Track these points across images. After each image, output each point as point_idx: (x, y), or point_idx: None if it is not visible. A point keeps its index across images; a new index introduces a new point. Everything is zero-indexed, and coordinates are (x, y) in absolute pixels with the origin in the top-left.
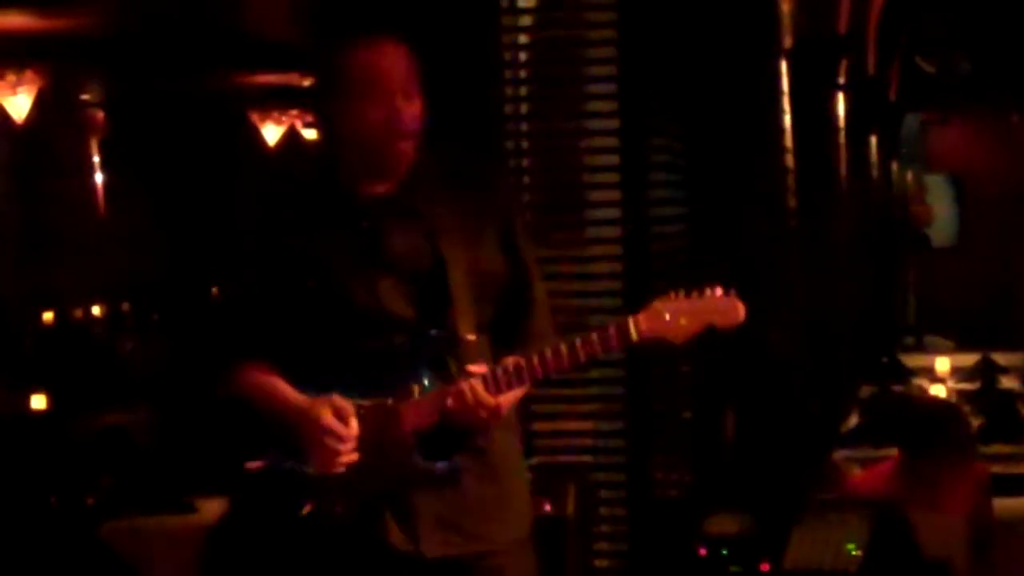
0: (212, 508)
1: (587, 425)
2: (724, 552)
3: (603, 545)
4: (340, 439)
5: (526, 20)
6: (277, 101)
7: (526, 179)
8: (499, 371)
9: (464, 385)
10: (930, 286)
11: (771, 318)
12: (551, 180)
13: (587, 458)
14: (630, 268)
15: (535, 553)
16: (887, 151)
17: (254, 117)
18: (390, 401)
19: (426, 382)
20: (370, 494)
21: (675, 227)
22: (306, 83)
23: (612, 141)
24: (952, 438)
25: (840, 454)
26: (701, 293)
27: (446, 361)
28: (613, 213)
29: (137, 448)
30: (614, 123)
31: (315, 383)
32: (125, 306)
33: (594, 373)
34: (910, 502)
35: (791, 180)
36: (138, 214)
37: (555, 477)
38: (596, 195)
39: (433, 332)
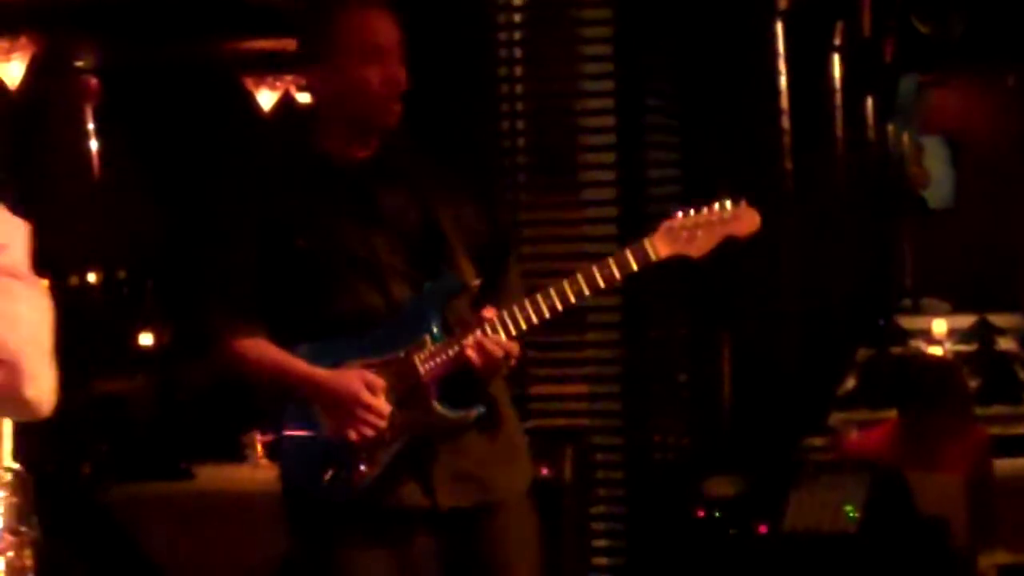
0: (210, 475)
1: (583, 388)
2: (721, 514)
3: (600, 508)
4: (380, 414)
5: None
6: (271, 66)
7: (521, 141)
8: (513, 311)
9: (479, 328)
10: (927, 248)
11: (767, 281)
12: (546, 142)
13: (584, 421)
14: (625, 229)
15: (533, 507)
16: (883, 113)
17: (249, 82)
18: (402, 353)
19: (436, 330)
20: (391, 453)
21: (670, 188)
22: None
23: (607, 102)
24: (950, 397)
25: (837, 417)
26: (711, 207)
27: (454, 309)
28: (608, 175)
29: (134, 416)
30: (609, 84)
31: (320, 349)
32: (121, 273)
33: (590, 336)
34: (908, 463)
35: (787, 142)
36: (133, 181)
37: (552, 441)
38: (591, 157)
39: (439, 280)
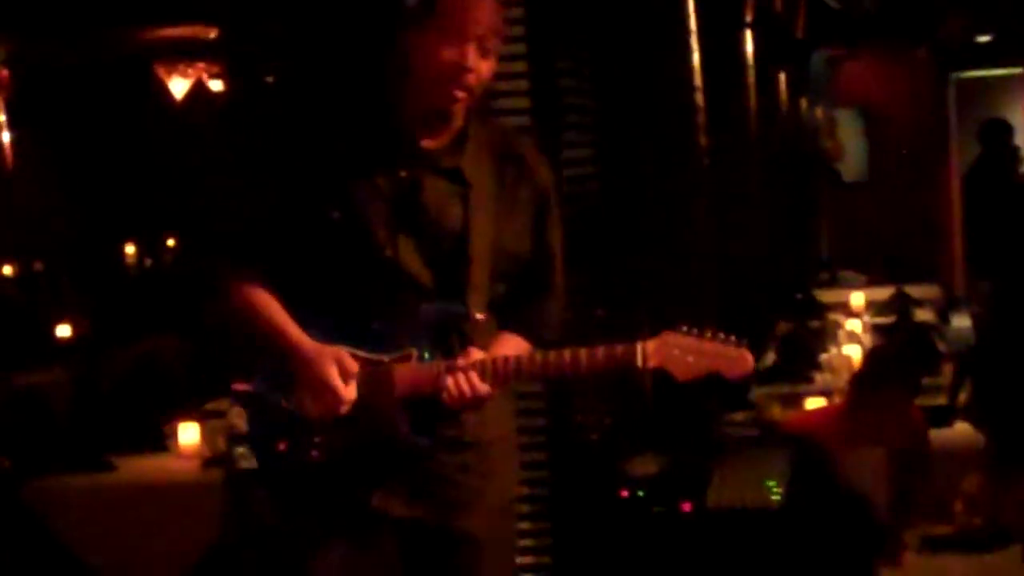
0: (131, 466)
1: None
2: (644, 493)
3: (524, 490)
4: (339, 399)
5: None
6: (183, 54)
7: None
8: (499, 362)
9: (461, 368)
10: (843, 221)
11: (683, 258)
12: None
13: None
14: None
15: (511, 526)
16: (796, 87)
17: (160, 71)
18: (386, 359)
19: (426, 353)
20: (347, 446)
21: (586, 169)
22: (212, 35)
23: (521, 84)
24: (893, 379)
25: (759, 392)
26: (714, 336)
27: (448, 335)
28: None
29: (53, 408)
30: (522, 66)
31: (314, 319)
32: (38, 265)
33: None
34: (846, 441)
35: (702, 119)
36: (47, 173)
37: None
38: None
39: (445, 303)
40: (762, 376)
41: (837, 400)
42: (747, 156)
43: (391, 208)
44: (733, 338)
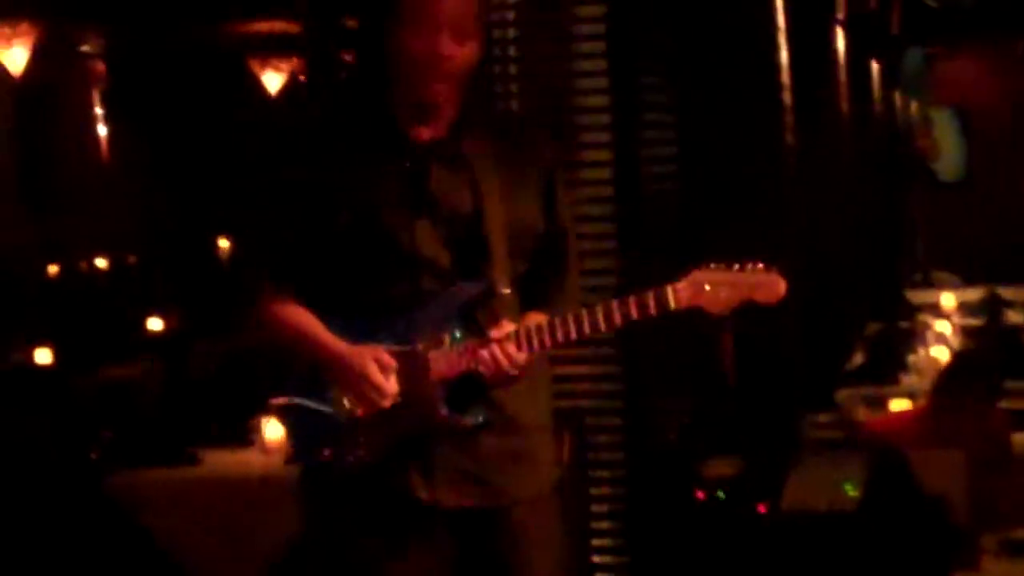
0: (215, 460)
1: (583, 369)
2: (721, 495)
3: (600, 490)
4: (382, 394)
5: None
6: (277, 48)
7: None
8: (531, 329)
9: (496, 341)
10: (939, 222)
11: (770, 258)
12: (540, 123)
13: (583, 403)
14: (622, 210)
15: (557, 508)
16: (889, 83)
17: (254, 65)
18: (420, 346)
19: (457, 333)
20: (392, 441)
21: (667, 167)
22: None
23: (602, 82)
24: (977, 383)
25: (844, 393)
26: (743, 266)
27: (476, 314)
28: (604, 155)
29: (140, 402)
30: (603, 64)
31: (343, 322)
32: (131, 259)
33: None
34: (930, 446)
35: (789, 117)
36: (142, 165)
37: None
38: (586, 137)
39: (468, 283)
40: (848, 377)
41: (921, 403)
42: (837, 155)
43: (401, 201)
44: (761, 265)
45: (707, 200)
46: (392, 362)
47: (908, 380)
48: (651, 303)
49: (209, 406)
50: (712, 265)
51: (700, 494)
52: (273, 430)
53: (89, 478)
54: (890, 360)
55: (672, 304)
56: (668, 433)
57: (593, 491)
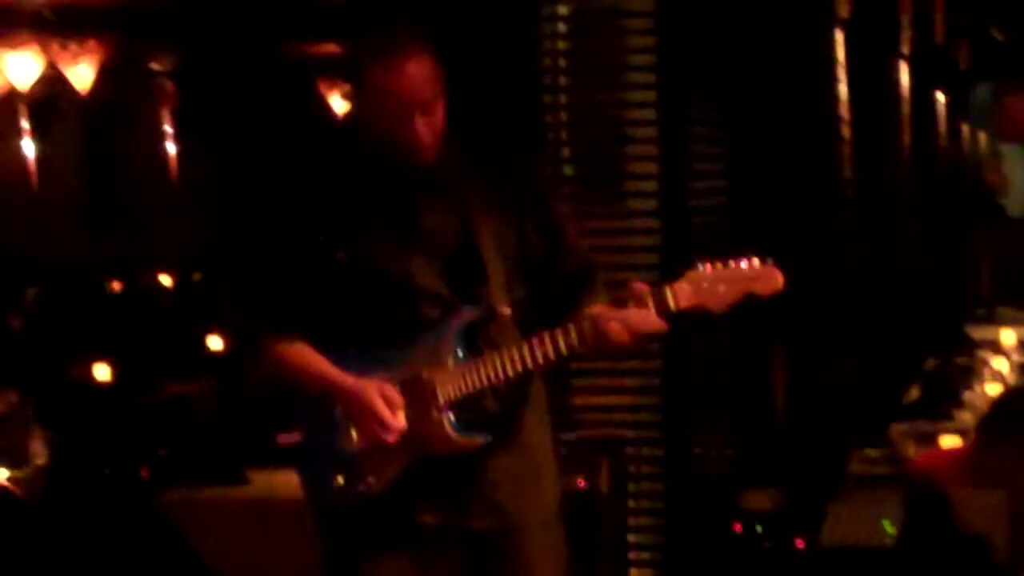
0: (264, 480)
1: (625, 399)
2: (759, 528)
3: (638, 520)
4: (389, 430)
5: None
6: (341, 71)
7: (565, 151)
8: (534, 344)
9: (502, 358)
10: (1007, 257)
11: (828, 291)
12: (589, 153)
13: (625, 432)
14: (668, 241)
15: (562, 530)
16: (955, 116)
17: (321, 86)
18: (424, 373)
19: (460, 353)
20: (402, 467)
21: (716, 199)
22: None
23: (650, 113)
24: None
25: (897, 428)
26: (737, 262)
27: (477, 335)
28: (652, 186)
29: (196, 420)
30: (652, 95)
31: (348, 358)
32: (196, 276)
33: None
34: (972, 485)
35: (847, 150)
36: (210, 184)
37: (589, 452)
38: (634, 167)
39: (469, 307)
40: (903, 412)
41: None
42: (899, 188)
43: (392, 235)
44: (756, 259)
45: (757, 231)
46: (399, 398)
47: (961, 417)
48: (650, 303)
49: (262, 426)
50: (706, 264)
51: (737, 527)
52: None
53: (139, 496)
54: (945, 396)
55: (672, 305)
56: (709, 464)
57: (631, 521)
